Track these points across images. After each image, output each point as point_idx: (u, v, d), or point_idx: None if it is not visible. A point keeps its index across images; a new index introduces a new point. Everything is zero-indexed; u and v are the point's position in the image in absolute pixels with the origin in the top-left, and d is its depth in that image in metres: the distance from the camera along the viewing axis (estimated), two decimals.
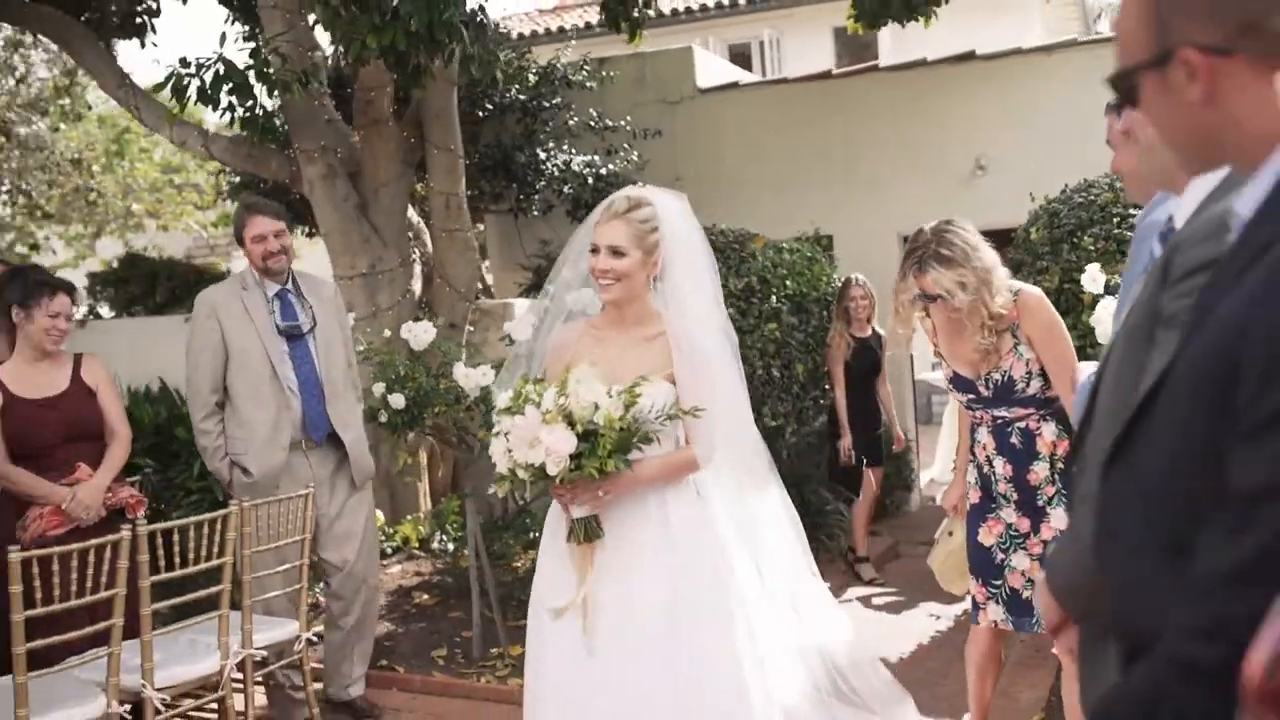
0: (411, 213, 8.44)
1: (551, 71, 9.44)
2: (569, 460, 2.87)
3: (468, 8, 6.30)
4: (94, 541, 3.64)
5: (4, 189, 14.86)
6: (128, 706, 3.79)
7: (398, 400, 5.17)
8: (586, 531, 3.05)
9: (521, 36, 14.63)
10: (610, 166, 9.47)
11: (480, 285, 11.55)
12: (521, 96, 9.19)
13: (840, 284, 7.31)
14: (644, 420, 2.96)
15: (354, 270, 7.47)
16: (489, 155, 9.17)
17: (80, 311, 10.49)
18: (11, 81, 13.16)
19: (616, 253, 3.08)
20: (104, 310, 10.46)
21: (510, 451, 2.93)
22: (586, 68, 9.57)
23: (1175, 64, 1.33)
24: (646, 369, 3.07)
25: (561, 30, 15.39)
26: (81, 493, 4.14)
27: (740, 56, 17.53)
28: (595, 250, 3.12)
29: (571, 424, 2.87)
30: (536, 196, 9.40)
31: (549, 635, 3.12)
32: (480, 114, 9.09)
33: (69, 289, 4.32)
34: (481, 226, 11.87)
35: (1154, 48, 1.36)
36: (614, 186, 9.67)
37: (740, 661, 3.10)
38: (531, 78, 9.28)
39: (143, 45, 8.97)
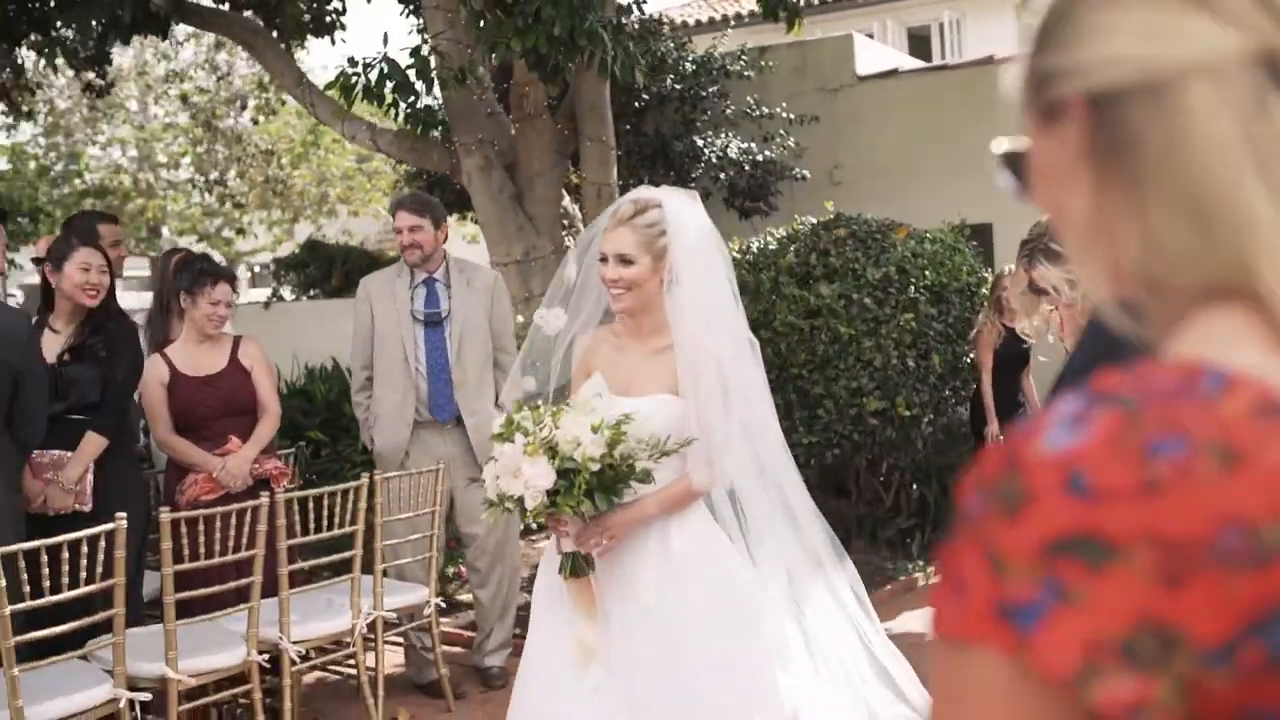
0: (567, 202, 8.76)
1: (709, 61, 9.60)
2: (545, 496, 2.75)
3: (618, 4, 6.56)
4: (235, 506, 4.05)
5: (211, 177, 16.02)
6: (266, 656, 4.19)
7: (529, 383, 5.45)
8: (573, 566, 2.90)
9: (698, 23, 14.78)
10: (767, 153, 9.59)
11: None
12: (679, 86, 9.37)
13: (994, 275, 7.27)
14: (636, 457, 2.79)
15: (509, 257, 7.82)
16: (648, 144, 9.40)
17: (265, 294, 11.31)
18: (214, 80, 14.15)
19: (624, 260, 2.94)
20: (286, 293, 11.20)
21: (498, 479, 2.83)
22: (744, 57, 9.68)
23: None
24: (657, 382, 2.95)
25: (739, 16, 15.51)
26: (230, 463, 4.56)
27: (920, 40, 17.27)
28: (604, 259, 2.98)
29: (554, 457, 2.73)
30: (693, 184, 9.59)
31: (539, 662, 3.04)
32: (638, 104, 9.32)
33: (230, 278, 4.74)
34: None
35: None
36: (771, 174, 9.81)
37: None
38: (689, 67, 9.45)
39: (333, 43, 9.59)
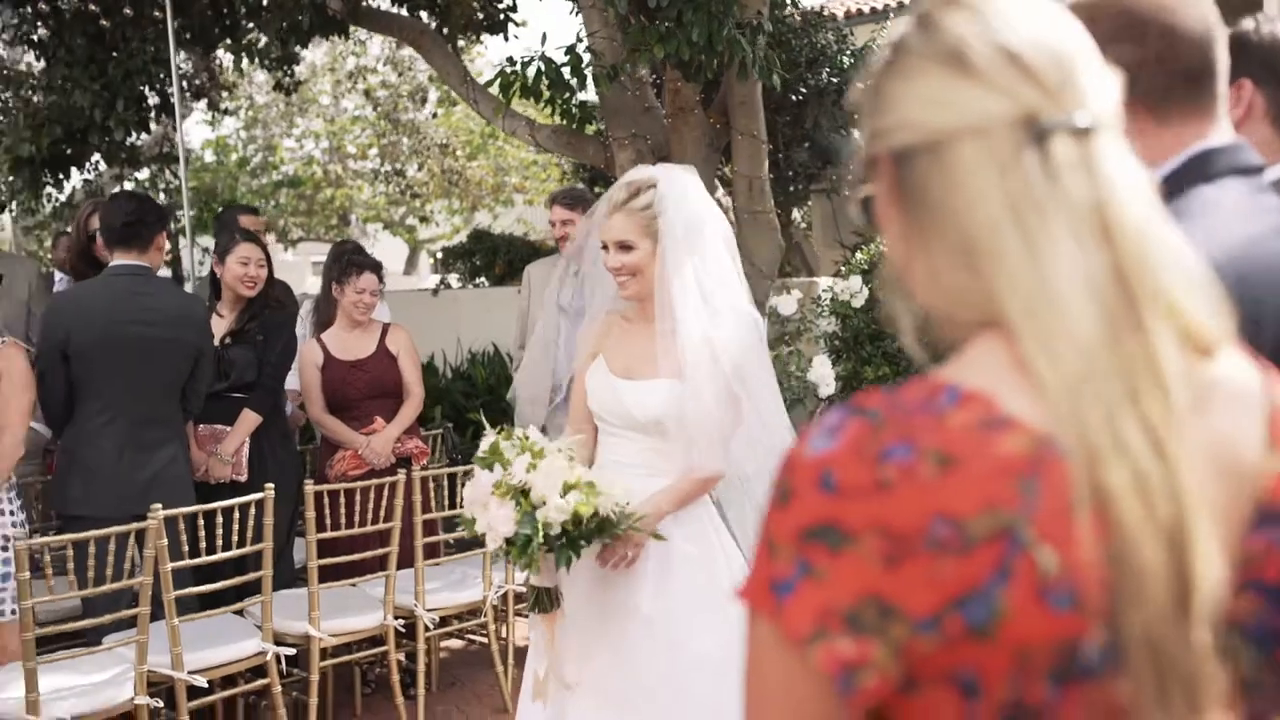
0: (721, 194, 8.90)
1: (869, 53, 9.58)
2: (504, 542, 2.67)
3: (761, 9, 6.66)
4: (375, 481, 4.39)
5: (394, 167, 16.82)
6: (402, 622, 4.51)
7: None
8: (536, 601, 2.85)
9: (872, 10, 14.64)
10: None
11: (804, 263, 11.90)
12: (835, 80, 9.40)
13: None
14: (615, 518, 2.68)
15: None
16: (804, 137, 9.47)
17: (433, 281, 11.88)
18: (396, 75, 14.84)
19: (624, 247, 2.88)
20: (453, 280, 11.71)
21: (472, 502, 2.77)
22: None
23: None
24: (661, 366, 2.89)
25: (902, 5, 15.26)
26: (374, 441, 4.91)
27: None
28: (605, 247, 2.93)
29: (519, 505, 2.61)
30: (850, 176, 9.60)
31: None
32: (795, 98, 9.39)
33: (375, 268, 5.08)
34: (810, 203, 12.21)
35: None
36: None
37: None
38: (846, 60, 9.47)
39: (505, 39, 9.97)
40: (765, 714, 0.86)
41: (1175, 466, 0.82)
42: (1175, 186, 1.54)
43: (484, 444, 2.76)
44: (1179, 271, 0.90)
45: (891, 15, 10.96)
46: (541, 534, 2.58)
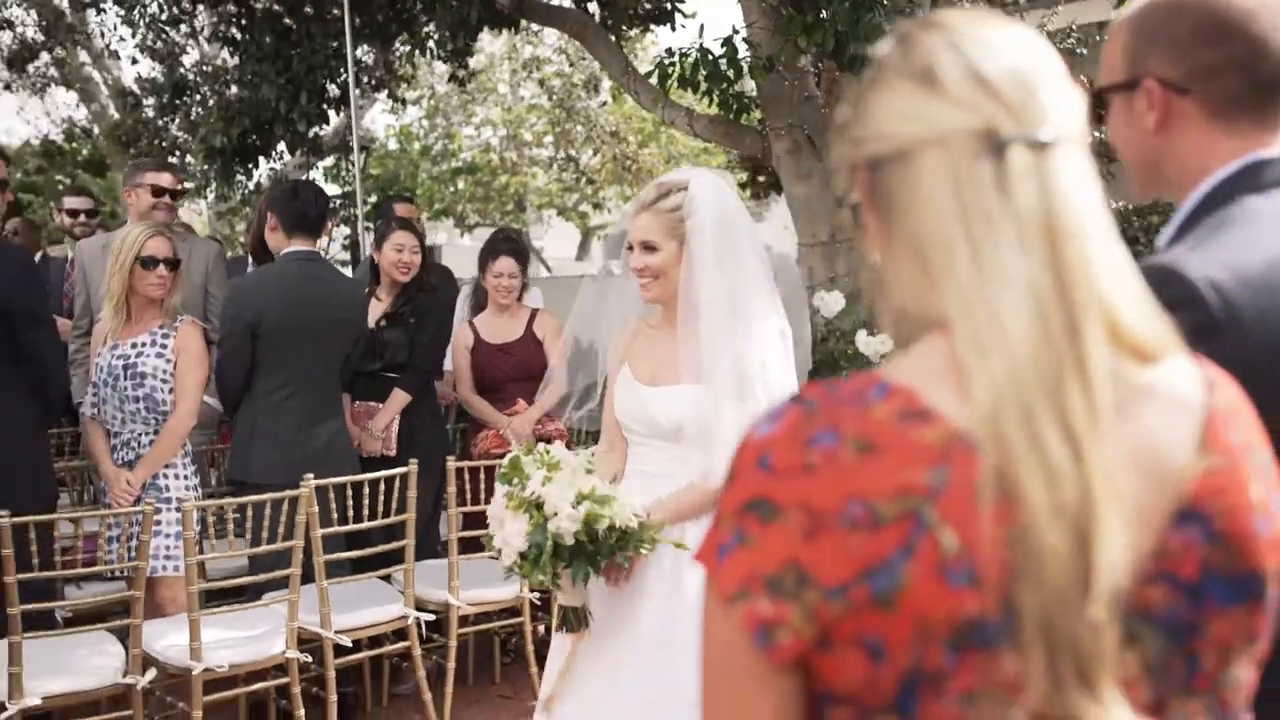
0: None
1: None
2: (518, 556, 2.63)
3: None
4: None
5: (571, 154, 17.21)
6: (537, 595, 4.71)
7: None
8: (565, 620, 2.81)
9: None
10: (1098, 134, 9.23)
11: None
12: None
13: None
14: (626, 526, 2.60)
15: (815, 238, 8.04)
16: None
17: (595, 267, 12.13)
18: (568, 65, 15.17)
19: (648, 248, 2.83)
20: (615, 267, 11.93)
21: (492, 518, 2.75)
22: (1075, 35, 9.37)
23: (1140, 91, 1.57)
24: (682, 370, 2.85)
25: None
26: (515, 422, 5.13)
27: None
28: (630, 247, 2.89)
29: (532, 518, 2.59)
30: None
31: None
32: None
33: (515, 253, 5.27)
34: None
35: (1126, 74, 1.60)
36: (1102, 154, 9.41)
37: None
38: None
39: (672, 29, 10.13)
40: (706, 663, 0.97)
41: (1089, 462, 0.88)
42: (1225, 194, 1.56)
43: (506, 460, 2.76)
44: (1121, 281, 0.96)
45: (1062, 1, 10.60)
46: (552, 543, 2.53)
